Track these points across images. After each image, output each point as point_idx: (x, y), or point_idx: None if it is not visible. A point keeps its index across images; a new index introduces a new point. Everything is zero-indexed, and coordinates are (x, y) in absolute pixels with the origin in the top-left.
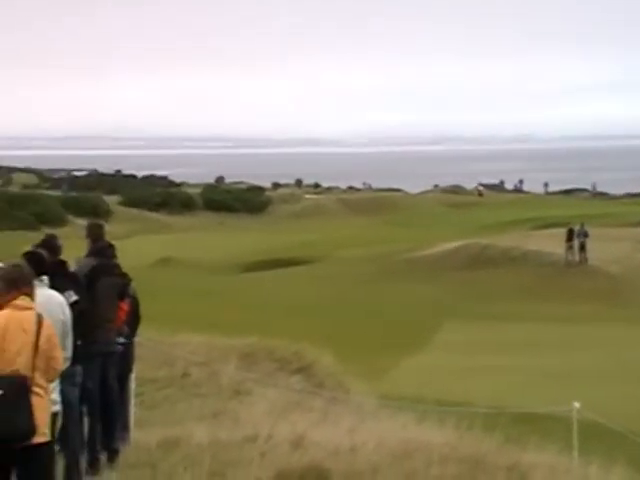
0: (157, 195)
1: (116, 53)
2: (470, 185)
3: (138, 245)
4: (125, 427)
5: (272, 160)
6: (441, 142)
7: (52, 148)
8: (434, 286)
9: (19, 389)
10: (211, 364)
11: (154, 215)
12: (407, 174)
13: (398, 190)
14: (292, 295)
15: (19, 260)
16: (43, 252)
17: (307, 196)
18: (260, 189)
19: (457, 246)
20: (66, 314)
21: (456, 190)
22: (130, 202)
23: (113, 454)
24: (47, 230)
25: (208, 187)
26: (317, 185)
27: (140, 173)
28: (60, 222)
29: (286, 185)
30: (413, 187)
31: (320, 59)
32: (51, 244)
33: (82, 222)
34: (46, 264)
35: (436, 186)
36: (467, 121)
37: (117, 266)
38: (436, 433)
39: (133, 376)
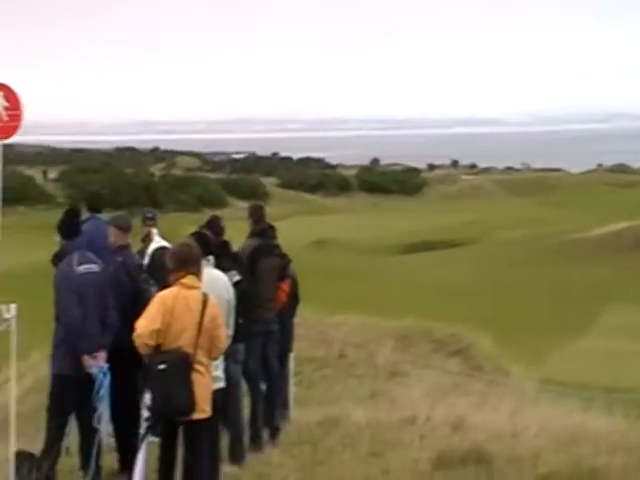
0: (313, 177)
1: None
2: (637, 164)
3: (294, 226)
4: (285, 405)
5: (428, 141)
6: (606, 120)
7: (212, 132)
8: (596, 268)
9: (181, 365)
10: (367, 345)
11: (310, 197)
12: (568, 153)
13: (558, 170)
14: (449, 277)
15: (189, 240)
16: (208, 232)
17: (463, 177)
18: (415, 170)
19: (622, 228)
20: (230, 293)
21: (622, 169)
22: (287, 184)
23: (274, 431)
24: (208, 212)
25: (363, 169)
26: (474, 166)
27: (296, 155)
28: (220, 204)
29: (442, 166)
30: (575, 167)
31: (475, 37)
32: (215, 225)
33: (241, 204)
34: (211, 245)
35: (600, 165)
36: (633, 97)
37: (278, 247)
38: (603, 421)
39: (292, 355)
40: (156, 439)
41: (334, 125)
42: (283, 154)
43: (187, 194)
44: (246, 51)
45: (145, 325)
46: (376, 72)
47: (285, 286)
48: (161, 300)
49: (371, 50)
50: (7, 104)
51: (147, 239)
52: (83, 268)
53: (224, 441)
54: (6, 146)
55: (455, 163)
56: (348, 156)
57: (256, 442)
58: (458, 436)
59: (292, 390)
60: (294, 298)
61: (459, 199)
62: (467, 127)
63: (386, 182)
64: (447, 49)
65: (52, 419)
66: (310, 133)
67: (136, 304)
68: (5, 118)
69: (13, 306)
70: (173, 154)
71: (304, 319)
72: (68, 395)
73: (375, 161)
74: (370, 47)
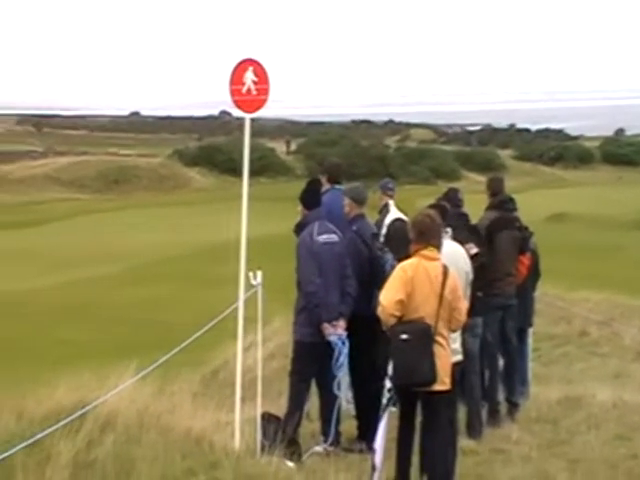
0: (552, 149)
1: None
2: None
3: (532, 199)
4: (524, 381)
5: None
6: None
7: (447, 104)
8: None
9: (423, 336)
10: (612, 324)
11: (548, 169)
12: None
13: None
14: None
15: (431, 211)
16: (446, 204)
17: None
18: None
19: None
20: (468, 266)
21: None
22: (524, 156)
23: (513, 407)
24: (442, 184)
25: (607, 140)
26: None
27: (534, 126)
28: (455, 176)
29: None
30: None
31: None
32: (453, 197)
33: (476, 177)
34: (449, 216)
35: None
36: None
37: (517, 219)
38: None
39: (531, 331)
40: (395, 409)
41: (573, 95)
42: (520, 125)
43: (421, 166)
44: (476, 20)
45: (389, 297)
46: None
47: (525, 259)
48: (402, 271)
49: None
50: (256, 78)
51: (384, 210)
52: (323, 238)
53: (461, 415)
54: (251, 119)
55: None
56: (590, 127)
57: (494, 417)
58: None
59: (531, 366)
60: (535, 272)
61: None
62: None
63: (632, 154)
64: None
65: (294, 384)
66: (549, 104)
67: (372, 272)
68: (254, 92)
69: (259, 273)
70: (408, 126)
71: (544, 294)
72: (309, 361)
73: (620, 131)
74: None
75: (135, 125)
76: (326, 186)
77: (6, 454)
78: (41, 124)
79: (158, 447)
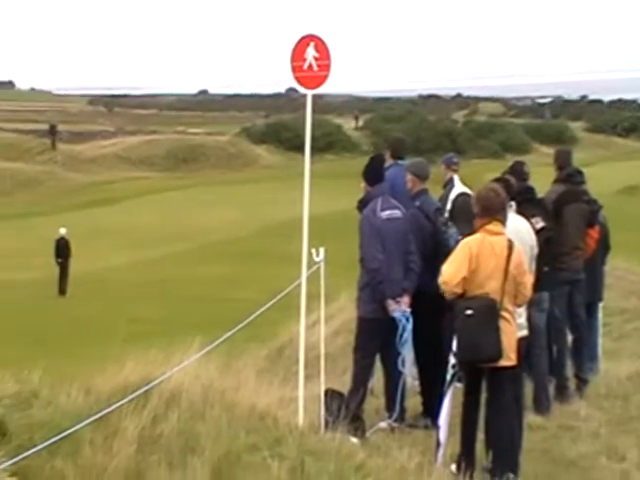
0: (625, 120)
1: None
2: None
3: (603, 172)
4: (594, 357)
5: None
6: None
7: (516, 76)
8: None
9: (488, 311)
10: None
11: (621, 141)
12: None
13: None
14: None
15: (495, 185)
16: (510, 178)
17: None
18: None
19: None
20: (533, 239)
21: None
22: (596, 128)
23: (582, 383)
24: (511, 158)
25: None
26: None
27: (607, 98)
28: (524, 150)
29: None
30: None
31: None
32: (519, 170)
33: (546, 150)
34: (513, 190)
35: None
36: None
37: (585, 192)
38: None
39: (601, 305)
40: (460, 385)
41: None
42: (592, 97)
43: (489, 140)
44: None
45: (451, 272)
46: None
47: (594, 233)
48: (466, 247)
49: None
50: (317, 54)
51: (449, 185)
52: (386, 214)
53: (528, 390)
54: (316, 96)
55: None
56: None
57: (562, 393)
58: None
59: (601, 341)
60: (604, 246)
61: None
62: None
63: None
64: None
65: (358, 361)
66: (621, 74)
67: (436, 248)
68: (315, 68)
69: (322, 250)
70: (476, 100)
71: (615, 268)
72: (373, 338)
73: None
74: None
75: (203, 103)
76: (389, 161)
77: (74, 429)
78: (112, 104)
79: (222, 423)
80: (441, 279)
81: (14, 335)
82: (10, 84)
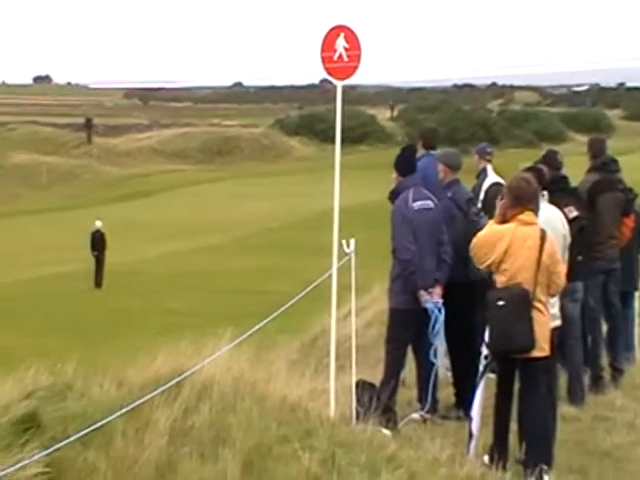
0: None
1: None
2: None
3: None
4: (629, 347)
5: None
6: None
7: (552, 64)
8: None
9: (521, 301)
10: None
11: None
12: None
13: None
14: None
15: (528, 175)
16: (543, 167)
17: None
18: None
19: None
20: (566, 229)
21: None
22: (634, 116)
23: (617, 373)
24: (547, 147)
25: None
26: None
27: None
28: (560, 139)
29: None
30: None
31: None
32: (552, 159)
33: (582, 138)
34: (546, 179)
35: None
36: None
37: (620, 181)
38: None
39: (637, 295)
40: (493, 376)
41: None
42: (630, 84)
43: (525, 129)
44: None
45: (480, 259)
46: None
47: (629, 222)
48: (497, 238)
49: None
50: (347, 45)
51: (482, 175)
52: (418, 205)
53: (562, 381)
54: (349, 87)
55: None
56: None
57: (597, 383)
58: None
59: (636, 331)
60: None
61: None
62: None
63: None
64: None
65: (390, 352)
66: None
67: (468, 238)
68: (345, 59)
69: (352, 241)
70: (512, 89)
71: None
72: (405, 329)
73: None
74: None
75: (237, 96)
76: (421, 152)
77: (106, 420)
78: (147, 97)
79: (253, 414)
80: (471, 249)
81: (51, 327)
82: (47, 79)
